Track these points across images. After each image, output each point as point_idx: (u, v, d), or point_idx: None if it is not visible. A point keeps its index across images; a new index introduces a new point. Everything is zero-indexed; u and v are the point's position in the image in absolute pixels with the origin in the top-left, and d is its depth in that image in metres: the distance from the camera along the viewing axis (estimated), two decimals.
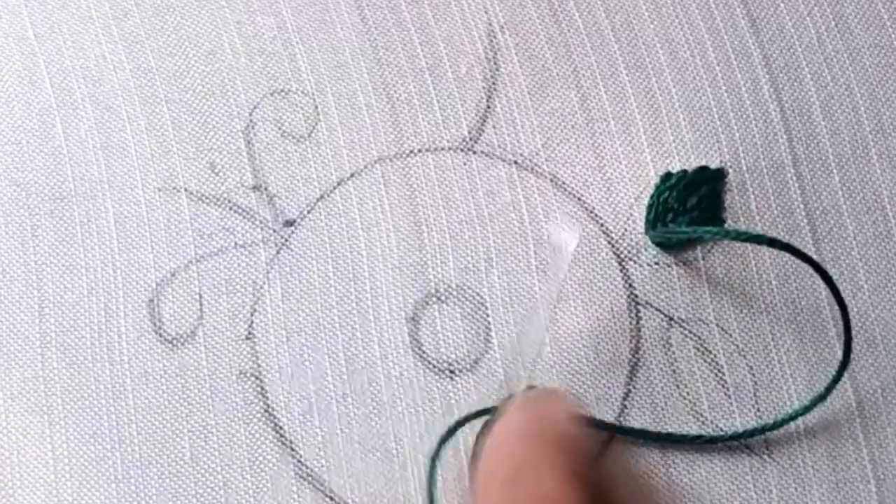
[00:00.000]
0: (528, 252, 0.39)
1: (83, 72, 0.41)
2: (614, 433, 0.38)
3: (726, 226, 0.39)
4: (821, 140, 0.40)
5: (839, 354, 0.38)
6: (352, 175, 0.40)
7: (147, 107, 0.41)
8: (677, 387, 0.38)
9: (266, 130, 0.40)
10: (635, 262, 0.39)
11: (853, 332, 0.38)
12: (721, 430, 0.38)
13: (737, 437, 0.38)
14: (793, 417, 0.38)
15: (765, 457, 0.38)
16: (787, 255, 0.39)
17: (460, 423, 0.38)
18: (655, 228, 0.39)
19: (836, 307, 0.38)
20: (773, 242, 0.37)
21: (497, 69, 0.41)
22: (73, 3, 0.41)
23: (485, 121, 0.40)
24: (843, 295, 0.38)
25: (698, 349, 0.39)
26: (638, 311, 0.39)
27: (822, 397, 0.38)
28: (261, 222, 0.40)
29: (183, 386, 0.38)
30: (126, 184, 0.40)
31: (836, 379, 0.38)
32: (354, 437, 0.38)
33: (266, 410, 0.38)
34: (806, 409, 0.38)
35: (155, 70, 0.41)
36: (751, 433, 0.38)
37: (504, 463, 0.34)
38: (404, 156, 0.40)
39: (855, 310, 0.39)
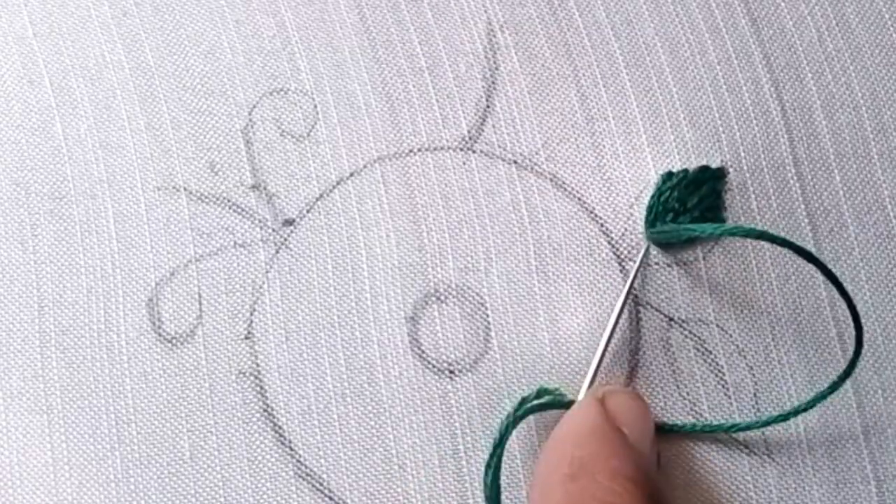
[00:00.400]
0: (528, 252, 0.39)
1: (82, 71, 0.41)
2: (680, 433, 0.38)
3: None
4: (822, 139, 0.40)
5: (839, 354, 0.38)
6: (351, 174, 0.40)
7: (146, 106, 0.40)
8: (677, 387, 0.38)
9: (265, 130, 0.40)
10: (635, 262, 0.39)
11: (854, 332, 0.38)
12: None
13: (771, 421, 0.38)
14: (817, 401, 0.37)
15: (765, 457, 0.38)
16: (787, 255, 0.39)
17: (516, 420, 0.37)
18: (656, 228, 0.39)
19: (837, 307, 0.38)
20: (772, 238, 0.37)
21: (496, 68, 0.41)
22: (73, 3, 0.41)
23: (484, 120, 0.40)
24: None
25: (698, 349, 0.39)
26: (638, 311, 0.39)
27: (840, 380, 0.37)
28: (260, 222, 0.40)
29: (182, 385, 0.38)
30: (125, 183, 0.40)
31: (852, 363, 0.37)
32: (354, 437, 0.38)
33: (265, 410, 0.38)
34: (824, 396, 0.37)
35: (154, 69, 0.41)
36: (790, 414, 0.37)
37: (565, 461, 0.34)
38: (404, 155, 0.40)
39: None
